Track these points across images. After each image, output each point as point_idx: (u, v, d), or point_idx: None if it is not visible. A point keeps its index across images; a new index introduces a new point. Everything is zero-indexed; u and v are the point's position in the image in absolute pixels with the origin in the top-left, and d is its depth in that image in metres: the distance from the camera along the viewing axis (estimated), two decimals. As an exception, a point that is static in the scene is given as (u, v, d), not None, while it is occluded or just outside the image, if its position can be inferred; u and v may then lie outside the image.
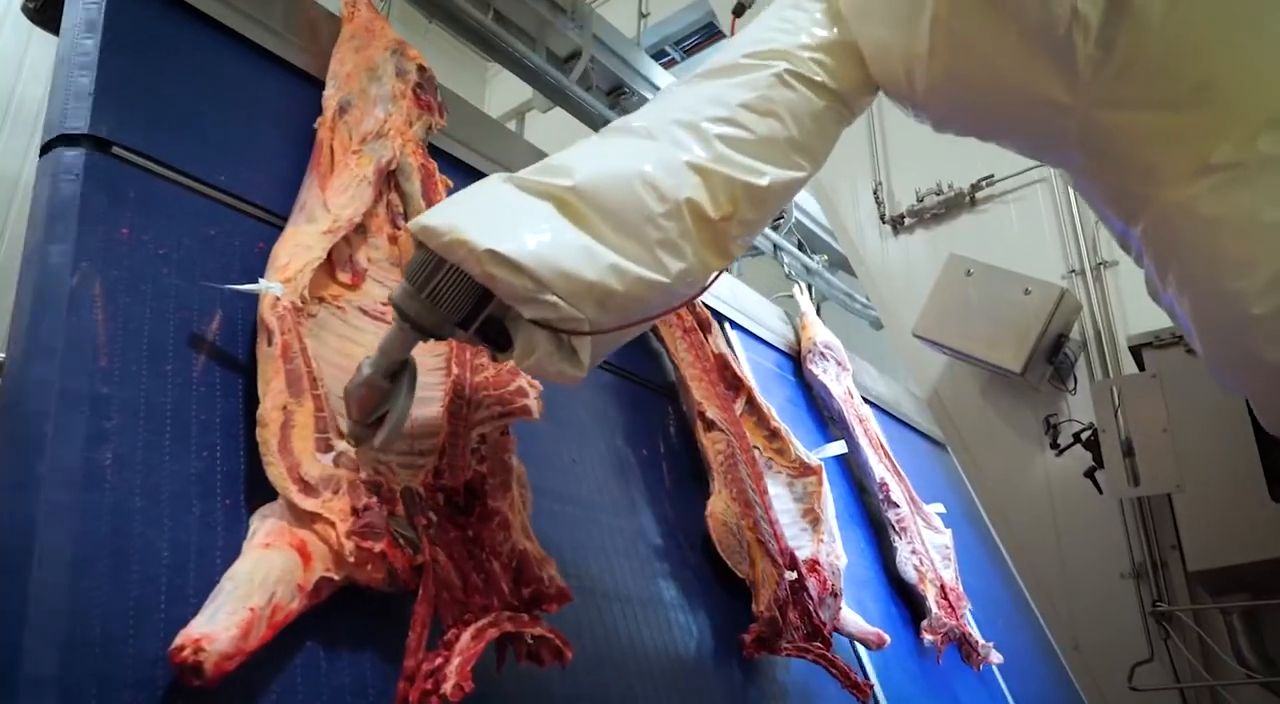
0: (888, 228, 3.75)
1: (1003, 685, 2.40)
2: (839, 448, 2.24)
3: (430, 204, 1.42)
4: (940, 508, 2.53)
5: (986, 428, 3.31)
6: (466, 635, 0.95)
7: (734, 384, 2.01)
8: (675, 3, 5.12)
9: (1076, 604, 2.97)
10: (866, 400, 2.71)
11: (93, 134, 1.10)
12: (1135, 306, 3.14)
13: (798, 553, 1.70)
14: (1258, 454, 2.26)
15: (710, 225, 1.11)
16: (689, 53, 5.45)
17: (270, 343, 1.06)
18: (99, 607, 0.81)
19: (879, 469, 2.36)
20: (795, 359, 2.63)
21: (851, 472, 2.46)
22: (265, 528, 0.94)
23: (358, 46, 1.55)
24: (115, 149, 1.12)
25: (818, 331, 2.67)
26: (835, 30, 1.25)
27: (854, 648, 1.89)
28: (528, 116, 5.43)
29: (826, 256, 4.37)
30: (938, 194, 3.62)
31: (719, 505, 1.68)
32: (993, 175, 3.53)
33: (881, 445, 2.51)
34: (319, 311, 1.20)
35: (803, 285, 3.46)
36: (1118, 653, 2.79)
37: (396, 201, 1.44)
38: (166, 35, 1.31)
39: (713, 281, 1.19)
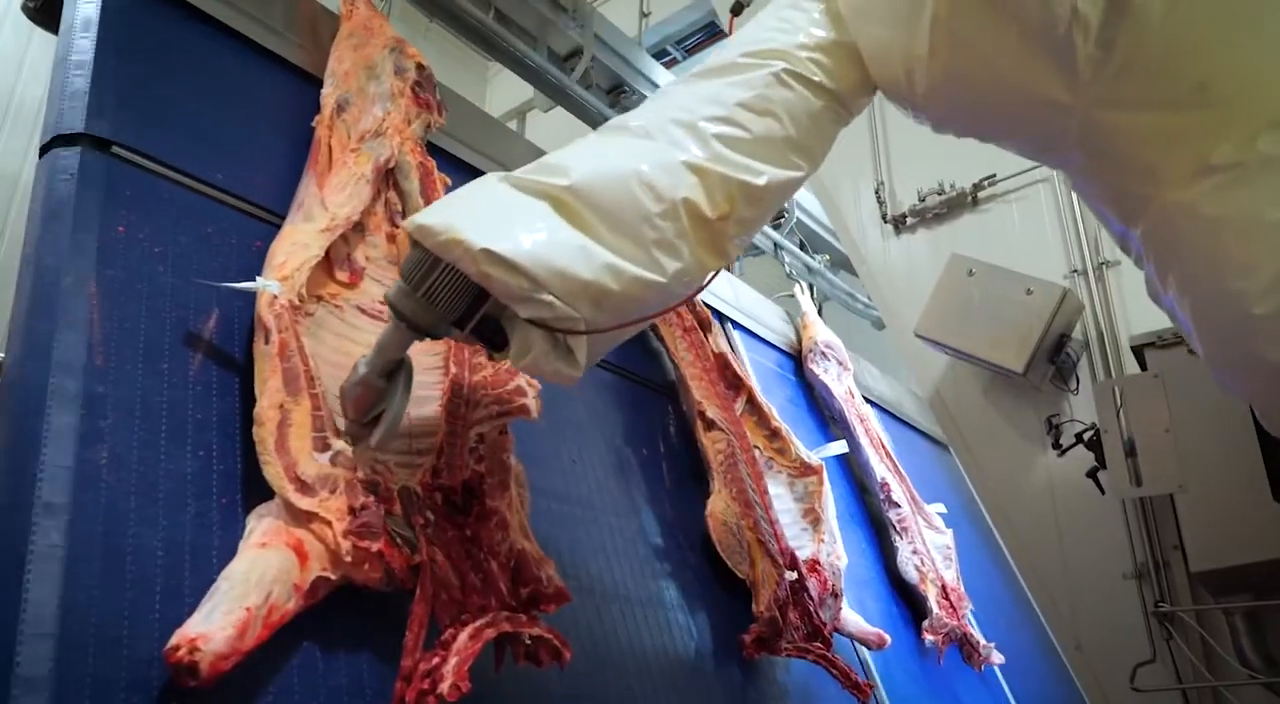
0: (889, 227, 3.75)
1: (1004, 686, 2.40)
2: (840, 448, 2.24)
3: (428, 202, 1.42)
4: (942, 508, 2.52)
5: (988, 428, 3.30)
6: (464, 635, 0.95)
7: (734, 384, 2.01)
8: (677, 2, 5.10)
9: (1079, 604, 2.97)
10: (868, 400, 2.70)
11: (91, 133, 1.10)
12: (1137, 307, 3.13)
13: (798, 553, 1.70)
14: (1260, 454, 2.26)
15: (707, 225, 1.10)
16: (690, 52, 5.44)
17: (267, 341, 1.06)
18: (94, 606, 0.81)
19: (880, 469, 2.36)
20: (796, 359, 2.62)
21: (852, 471, 2.45)
22: (262, 527, 0.93)
23: (356, 44, 1.55)
24: (114, 148, 1.12)
25: (819, 331, 2.67)
26: (833, 30, 1.24)
27: (855, 648, 1.88)
28: (529, 116, 5.43)
29: (828, 256, 4.36)
30: (940, 193, 3.61)
31: (719, 505, 1.68)
32: (995, 175, 3.52)
33: (883, 445, 2.51)
34: (316, 310, 1.20)
35: (804, 285, 3.46)
36: (1120, 653, 2.79)
37: (395, 200, 1.44)
38: (164, 34, 1.31)
39: (710, 281, 1.19)
